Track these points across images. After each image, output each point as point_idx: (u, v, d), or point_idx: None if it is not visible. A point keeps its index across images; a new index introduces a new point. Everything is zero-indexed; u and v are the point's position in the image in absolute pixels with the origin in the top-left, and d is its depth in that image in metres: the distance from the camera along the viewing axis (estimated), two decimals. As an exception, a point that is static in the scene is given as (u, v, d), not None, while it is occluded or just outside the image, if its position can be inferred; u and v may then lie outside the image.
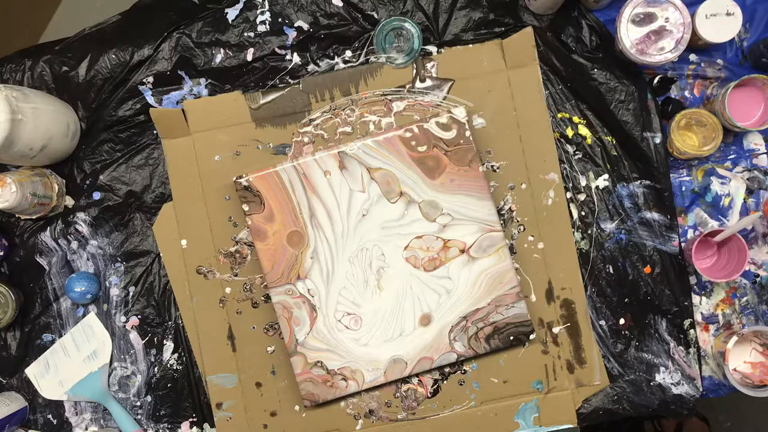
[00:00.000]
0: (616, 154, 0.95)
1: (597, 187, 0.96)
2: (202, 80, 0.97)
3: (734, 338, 0.90)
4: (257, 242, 0.92)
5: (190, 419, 0.98)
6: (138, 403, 0.98)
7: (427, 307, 0.93)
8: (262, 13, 0.97)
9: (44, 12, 1.74)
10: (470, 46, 0.95)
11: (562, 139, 0.96)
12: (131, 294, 0.98)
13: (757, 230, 0.96)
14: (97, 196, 0.98)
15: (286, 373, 0.96)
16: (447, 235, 0.92)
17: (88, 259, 0.98)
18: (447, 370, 0.96)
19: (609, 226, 0.95)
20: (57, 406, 0.99)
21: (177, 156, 0.97)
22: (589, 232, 0.96)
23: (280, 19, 0.97)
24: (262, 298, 0.96)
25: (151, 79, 0.97)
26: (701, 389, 0.95)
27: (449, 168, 0.92)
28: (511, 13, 0.96)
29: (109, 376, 0.98)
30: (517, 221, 0.95)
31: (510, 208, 0.96)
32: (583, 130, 0.96)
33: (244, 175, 0.92)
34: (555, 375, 0.95)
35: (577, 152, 0.96)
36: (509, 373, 0.95)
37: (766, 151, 0.96)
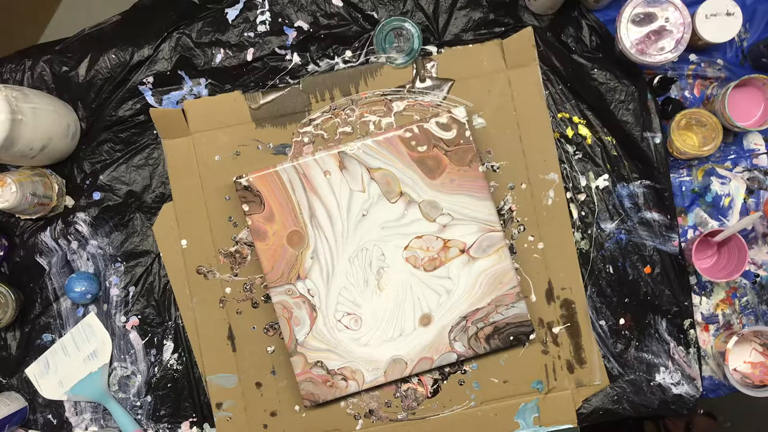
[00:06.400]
0: (616, 154, 0.95)
1: (597, 187, 0.96)
2: (202, 80, 0.97)
3: (734, 338, 0.90)
4: (257, 242, 0.92)
5: (190, 419, 0.98)
6: (138, 403, 0.98)
7: (427, 307, 0.93)
8: (262, 13, 0.97)
9: (44, 12, 1.74)
10: (470, 46, 0.95)
11: (562, 139, 0.96)
12: (131, 294, 0.98)
13: (757, 230, 0.96)
14: (97, 196, 0.98)
15: (286, 373, 0.96)
16: (447, 235, 0.92)
17: (88, 259, 0.98)
18: (447, 370, 0.96)
19: (609, 226, 0.95)
20: (57, 406, 0.99)
21: (177, 156, 0.97)
22: (589, 232, 0.96)
23: (280, 19, 0.97)
24: (262, 298, 0.96)
25: (151, 79, 0.97)
26: (701, 389, 0.95)
27: (449, 168, 0.92)
28: (511, 13, 0.96)
29: (109, 376, 0.98)
30: (517, 221, 0.95)
31: (510, 208, 0.95)
32: (583, 130, 0.96)
33: (244, 175, 0.92)
34: (555, 375, 0.95)
35: (577, 152, 0.96)
36: (509, 373, 0.95)
37: (766, 151, 0.96)
